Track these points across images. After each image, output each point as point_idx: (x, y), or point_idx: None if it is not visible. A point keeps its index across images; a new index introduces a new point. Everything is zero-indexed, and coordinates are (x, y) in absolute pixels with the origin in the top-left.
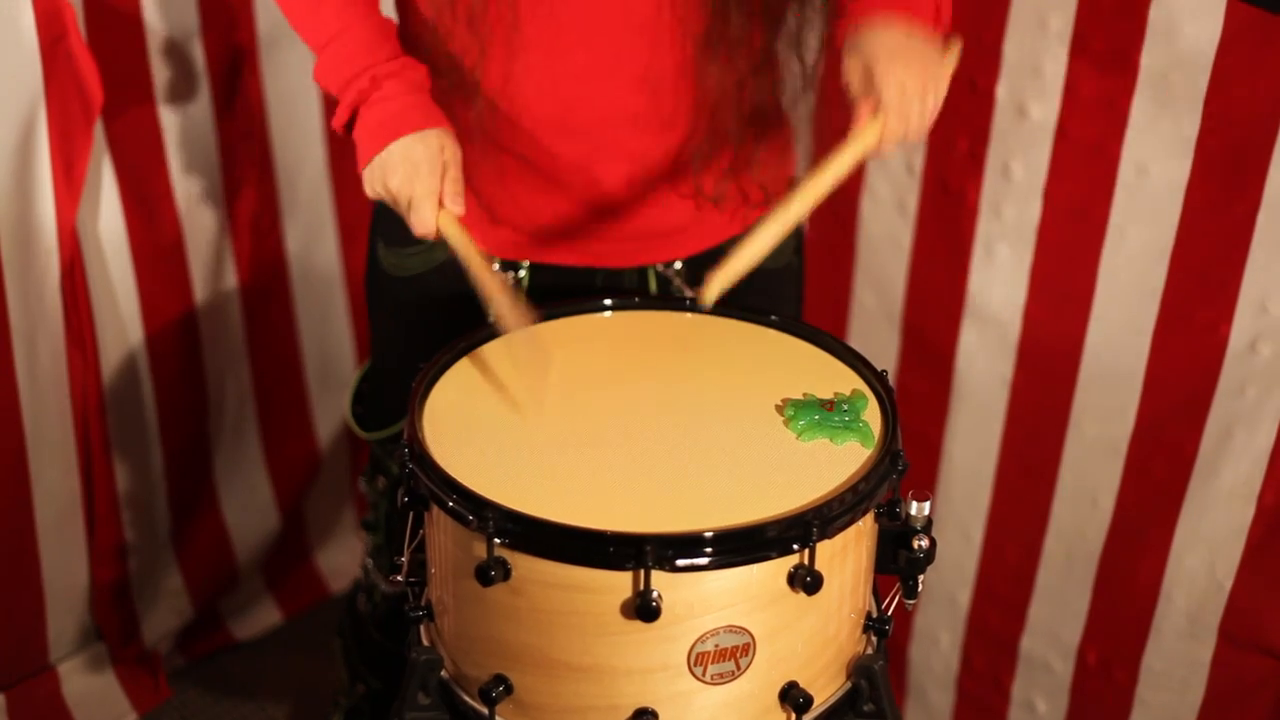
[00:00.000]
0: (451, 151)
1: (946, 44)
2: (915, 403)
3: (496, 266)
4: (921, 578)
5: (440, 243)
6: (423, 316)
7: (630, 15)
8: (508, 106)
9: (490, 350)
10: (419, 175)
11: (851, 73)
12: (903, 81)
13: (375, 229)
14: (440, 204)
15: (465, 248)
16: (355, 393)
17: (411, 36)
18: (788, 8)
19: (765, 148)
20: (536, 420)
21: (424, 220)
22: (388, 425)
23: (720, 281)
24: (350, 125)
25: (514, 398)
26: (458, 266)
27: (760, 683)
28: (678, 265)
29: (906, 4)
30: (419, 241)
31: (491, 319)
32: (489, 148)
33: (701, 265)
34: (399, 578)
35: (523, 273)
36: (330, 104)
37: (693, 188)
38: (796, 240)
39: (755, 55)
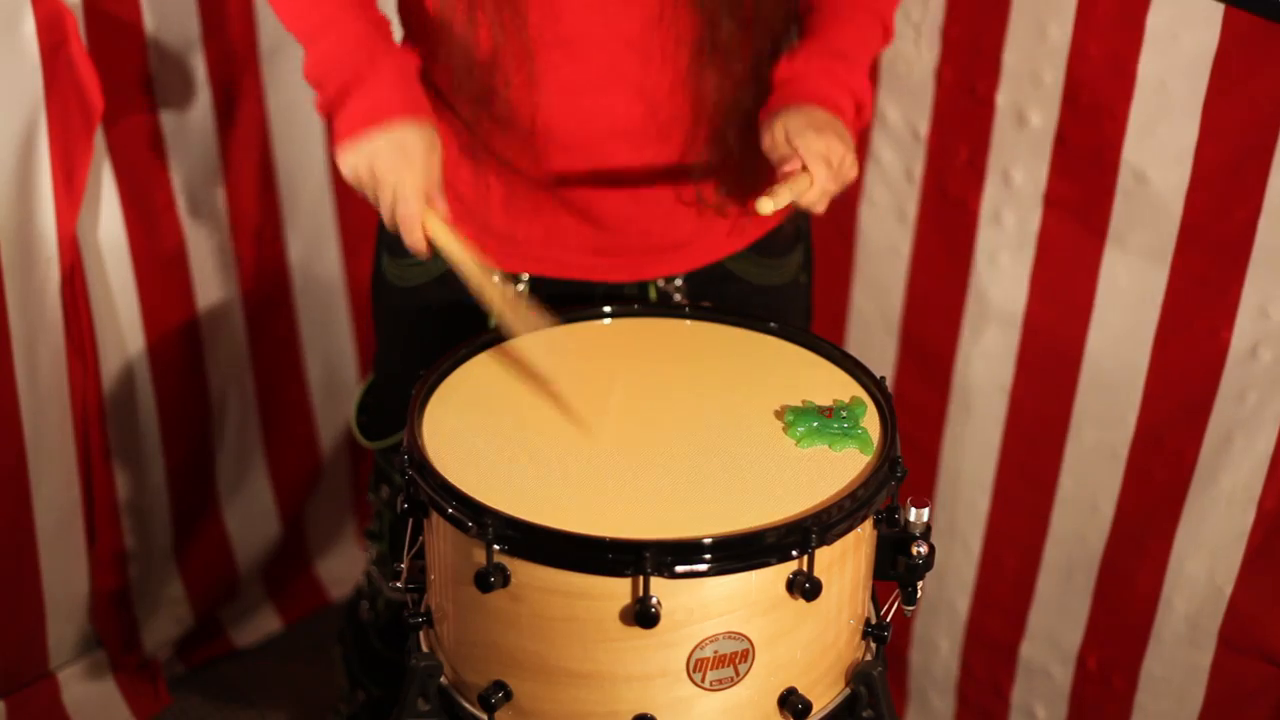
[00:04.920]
0: (439, 153)
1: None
2: (914, 410)
3: (498, 278)
4: (920, 584)
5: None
6: (424, 326)
7: (622, 30)
8: (507, 120)
9: (492, 357)
10: (410, 166)
11: (774, 141)
12: (827, 144)
13: (381, 239)
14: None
15: (456, 250)
16: (360, 403)
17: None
18: (779, 15)
19: (762, 154)
20: (536, 427)
21: (411, 214)
22: (391, 434)
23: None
24: (334, 108)
25: (515, 405)
26: (458, 277)
27: (759, 689)
28: (678, 280)
29: (826, 99)
30: None
31: (491, 323)
32: (489, 162)
33: (702, 280)
34: (398, 584)
35: (522, 286)
36: None
37: (694, 195)
38: (804, 257)
39: (749, 62)
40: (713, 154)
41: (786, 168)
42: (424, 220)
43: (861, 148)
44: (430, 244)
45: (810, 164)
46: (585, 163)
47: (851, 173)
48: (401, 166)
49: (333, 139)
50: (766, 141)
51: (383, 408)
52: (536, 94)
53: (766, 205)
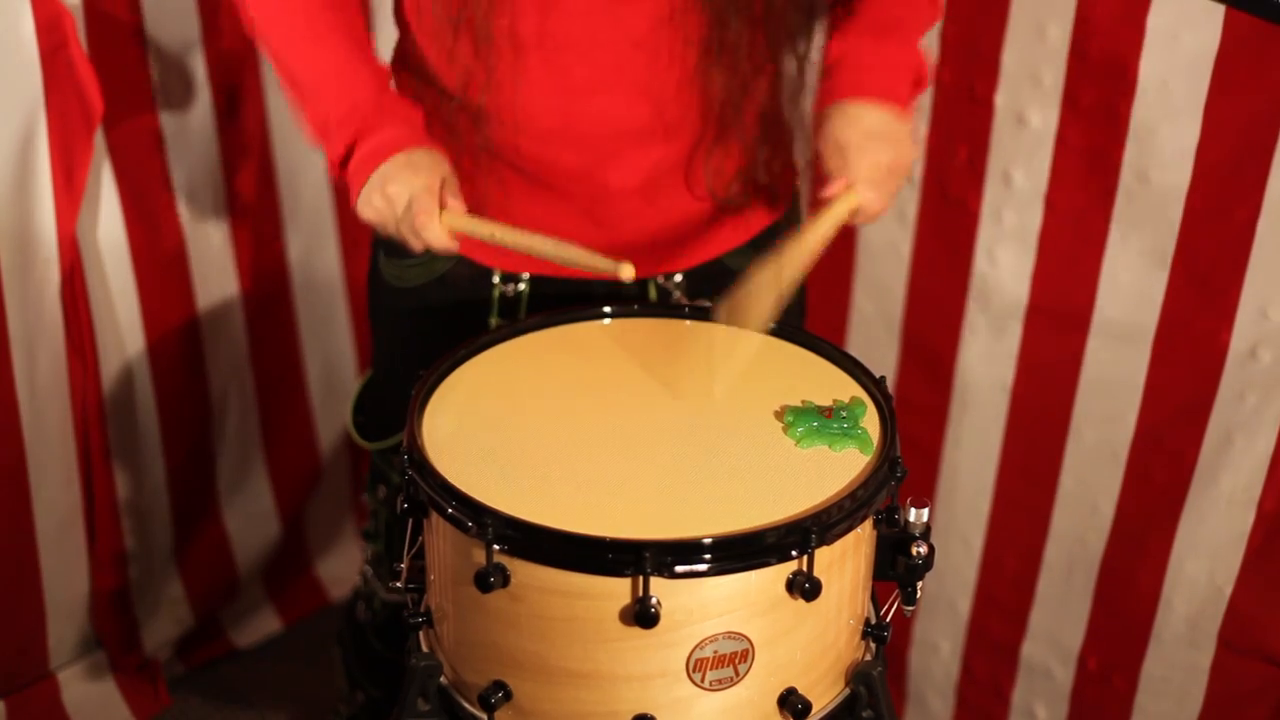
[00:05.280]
0: (449, 169)
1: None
2: (915, 410)
3: (497, 278)
4: (920, 584)
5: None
6: (423, 327)
7: (630, 29)
8: (511, 122)
9: (491, 357)
10: (418, 175)
11: (827, 152)
12: (875, 167)
13: (378, 240)
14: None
15: (481, 226)
16: (357, 402)
17: (412, 57)
18: (786, 12)
19: (769, 150)
20: (536, 427)
21: (426, 212)
22: (389, 434)
23: (728, 377)
24: (345, 163)
25: (515, 405)
26: (458, 277)
27: (759, 689)
28: (678, 277)
29: (880, 88)
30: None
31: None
32: (493, 162)
33: (702, 277)
34: (398, 584)
35: (523, 284)
36: None
37: (706, 191)
38: None
39: (756, 59)
40: (719, 152)
41: (831, 190)
42: (443, 217)
43: None
44: (457, 238)
45: (858, 184)
46: (589, 162)
47: (907, 163)
48: (411, 177)
49: (349, 197)
50: (818, 149)
51: (380, 408)
52: (541, 93)
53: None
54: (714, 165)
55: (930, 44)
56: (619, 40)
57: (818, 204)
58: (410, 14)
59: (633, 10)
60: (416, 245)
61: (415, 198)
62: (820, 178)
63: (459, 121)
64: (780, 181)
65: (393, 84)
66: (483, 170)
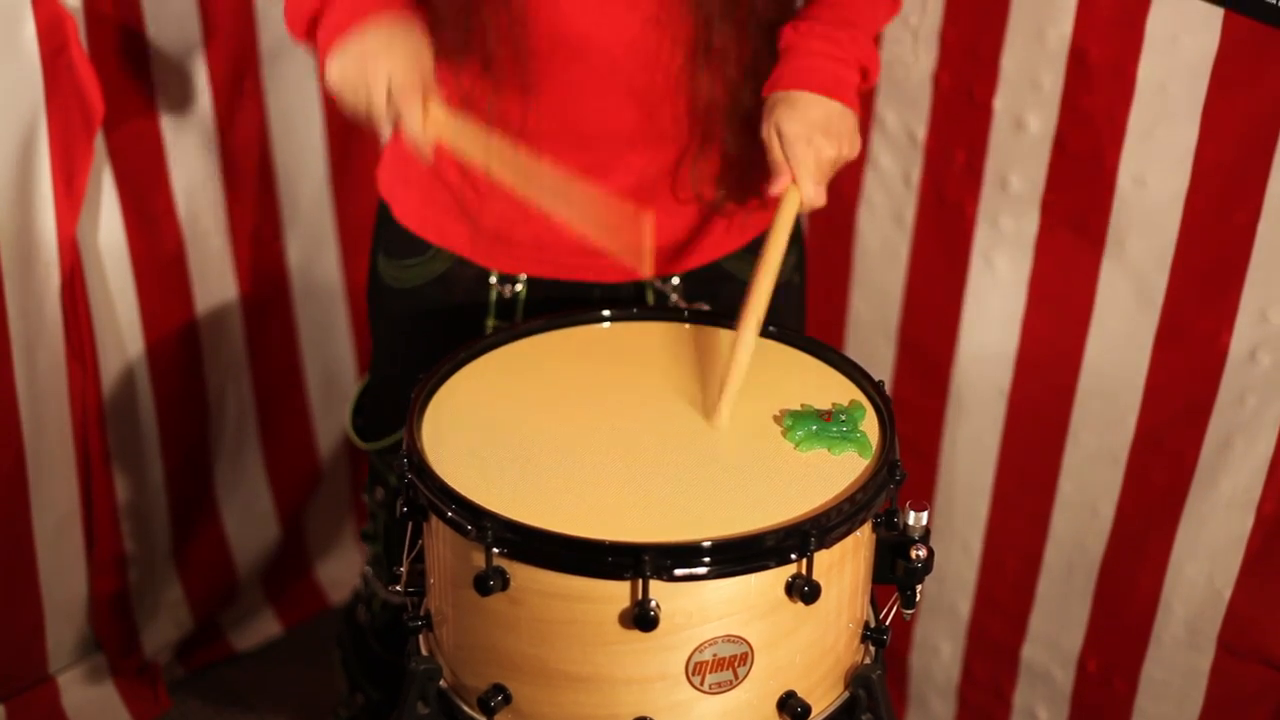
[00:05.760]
0: (428, 57)
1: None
2: (913, 413)
3: (494, 280)
4: (920, 587)
5: (438, 254)
6: (421, 328)
7: (620, 32)
8: (505, 122)
9: (491, 360)
10: (398, 55)
11: (770, 141)
12: (819, 156)
13: (377, 241)
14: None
15: (457, 125)
16: (356, 404)
17: None
18: (775, 15)
19: (759, 153)
20: (535, 430)
21: (407, 97)
22: (387, 435)
23: (727, 402)
24: (312, 32)
25: (515, 408)
26: (455, 278)
27: (758, 692)
28: (675, 280)
29: (826, 79)
30: (419, 253)
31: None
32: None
33: (700, 281)
34: (398, 588)
35: (520, 286)
36: (332, 109)
37: (691, 195)
38: (797, 257)
39: (745, 61)
40: (709, 154)
41: (775, 189)
42: (428, 110)
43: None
44: (432, 136)
45: (800, 179)
46: (585, 164)
47: (849, 156)
48: (390, 55)
49: (319, 61)
50: (763, 134)
51: (379, 409)
52: (532, 97)
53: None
54: (700, 168)
55: (930, 46)
56: (611, 43)
57: (766, 201)
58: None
59: (624, 13)
60: (386, 130)
61: (398, 84)
62: (764, 168)
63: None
64: (767, 183)
65: None
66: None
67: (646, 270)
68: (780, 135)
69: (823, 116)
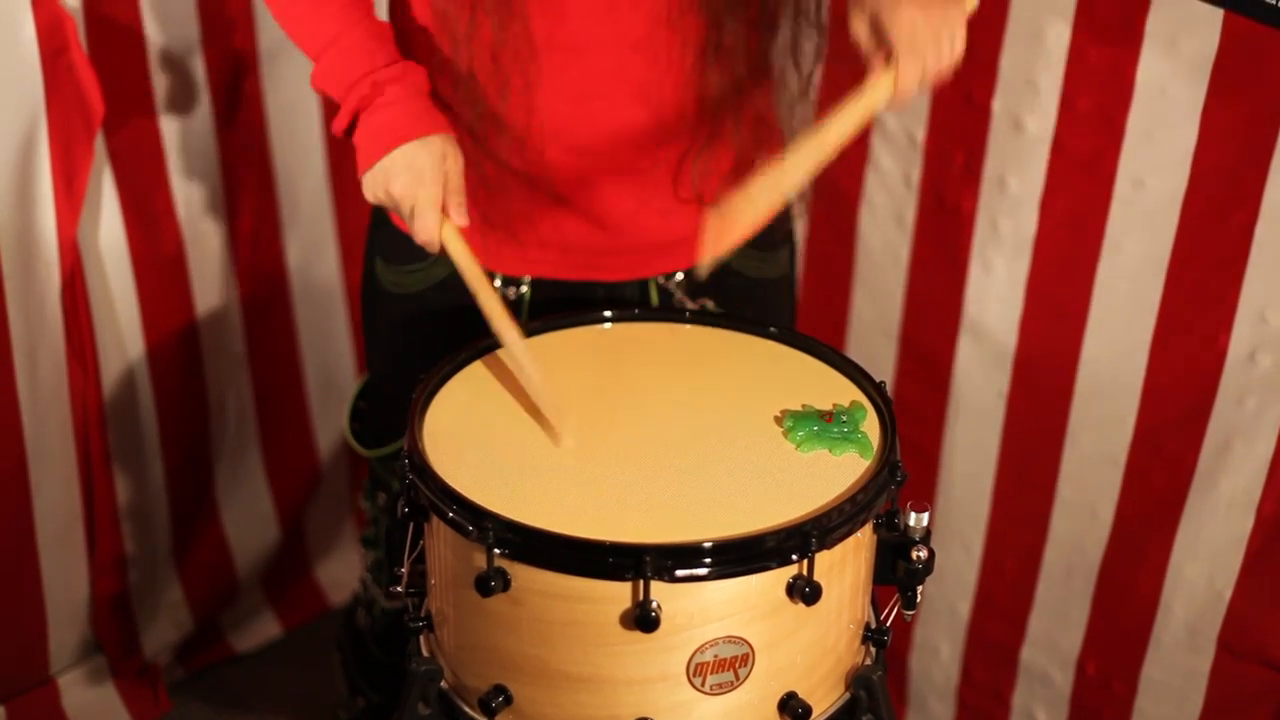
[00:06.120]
0: (454, 159)
1: None
2: (913, 414)
3: (498, 282)
4: (920, 588)
5: (439, 260)
6: (423, 333)
7: (627, 32)
8: (509, 123)
9: (491, 362)
10: (422, 182)
11: (858, 27)
12: (913, 21)
13: (372, 246)
14: (444, 213)
15: (466, 261)
16: (353, 409)
17: (411, 53)
18: (782, 16)
19: (764, 154)
20: (536, 431)
21: (427, 229)
22: (387, 441)
23: (720, 243)
24: (350, 130)
25: (515, 409)
26: (458, 283)
27: (759, 693)
28: (679, 277)
29: None
30: (420, 259)
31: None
32: (490, 164)
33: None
34: (399, 588)
35: (525, 288)
36: (330, 112)
37: (693, 193)
38: (790, 252)
39: (753, 62)
40: (715, 152)
41: (873, 65)
42: (441, 234)
43: (860, 152)
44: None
45: (902, 57)
46: (587, 165)
47: (950, 51)
48: (414, 184)
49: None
50: (852, 31)
51: (378, 414)
52: (538, 97)
53: (708, 259)
54: (703, 167)
55: None
56: (618, 44)
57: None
58: (423, 19)
59: (632, 13)
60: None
61: (419, 213)
62: (860, 60)
63: (459, 125)
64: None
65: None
66: (483, 171)
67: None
68: (872, 13)
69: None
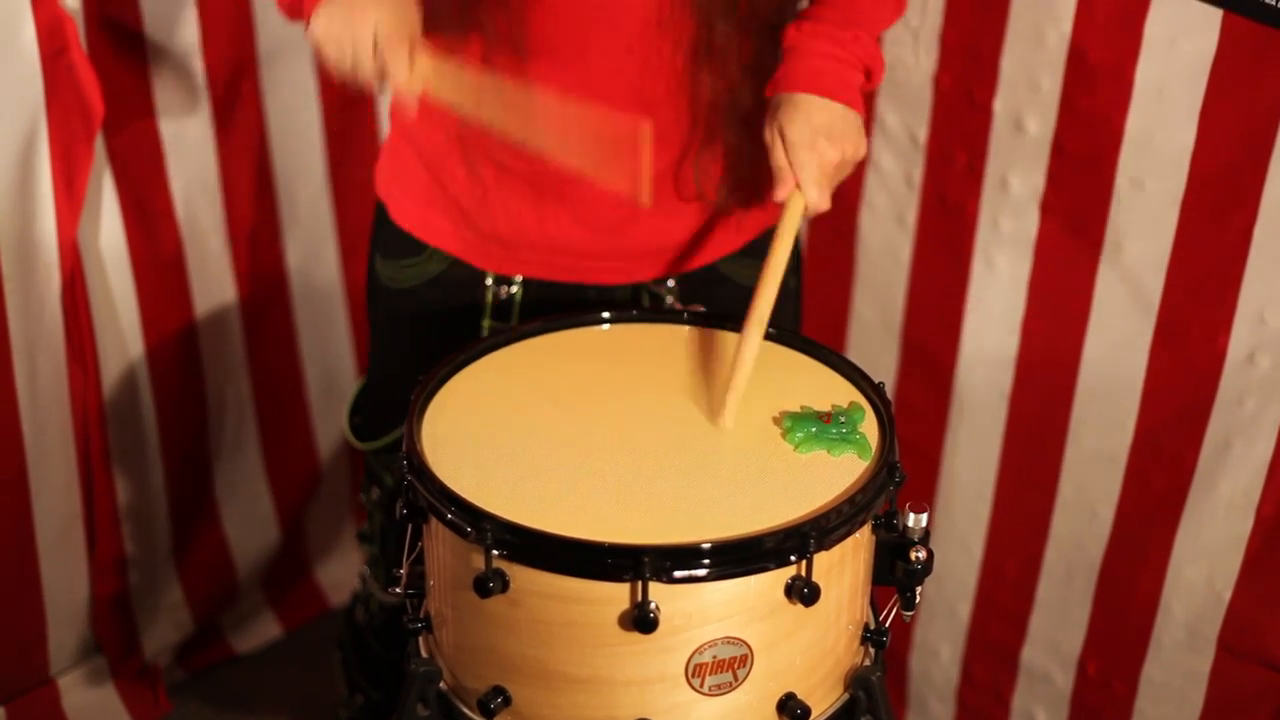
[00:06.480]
0: (415, 9)
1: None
2: (915, 415)
3: (490, 281)
4: (919, 589)
5: (434, 255)
6: (418, 329)
7: (619, 35)
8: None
9: (491, 362)
10: (383, 4)
11: (773, 145)
12: (822, 160)
13: (375, 242)
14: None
15: (446, 73)
16: (353, 405)
17: None
18: (773, 14)
19: (760, 151)
20: (535, 432)
21: (393, 49)
22: (384, 435)
23: (731, 407)
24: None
25: (514, 410)
26: (452, 278)
27: (758, 694)
28: (670, 282)
29: (834, 82)
30: (414, 253)
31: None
32: (483, 164)
33: (695, 283)
34: (398, 590)
35: (515, 288)
36: (331, 113)
37: (695, 193)
38: (794, 261)
39: (746, 60)
40: (711, 153)
41: (779, 195)
42: (415, 60)
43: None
44: (421, 87)
45: (804, 184)
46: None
47: (854, 159)
48: (376, 6)
49: (305, 23)
50: (766, 137)
51: (376, 409)
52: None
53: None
54: (702, 167)
55: (930, 48)
56: (611, 46)
57: (770, 206)
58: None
59: (624, 15)
60: (374, 84)
61: (383, 34)
62: (767, 167)
63: (450, 124)
64: (769, 185)
65: None
66: (477, 172)
67: (645, 200)
68: (784, 139)
69: (826, 120)
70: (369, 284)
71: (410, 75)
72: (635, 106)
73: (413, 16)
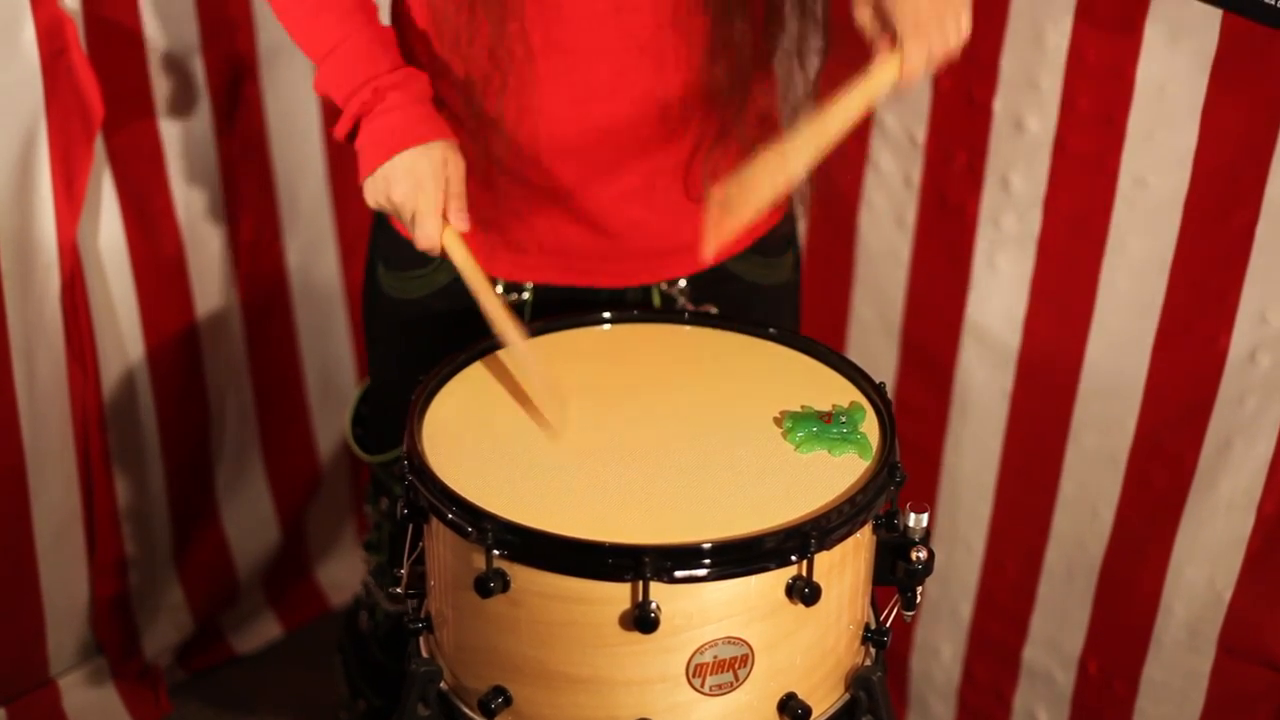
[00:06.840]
0: (455, 165)
1: None
2: (915, 415)
3: (500, 289)
4: (920, 589)
5: (442, 265)
6: (425, 339)
7: (633, 36)
8: (513, 130)
9: (491, 363)
10: (423, 189)
11: (862, 12)
12: (916, 5)
13: (375, 251)
14: (445, 220)
15: (468, 266)
16: (355, 414)
17: (412, 59)
18: (787, 14)
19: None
20: (535, 432)
21: (428, 235)
22: (390, 447)
23: (723, 229)
24: (353, 135)
25: (514, 411)
26: (460, 289)
27: (759, 694)
28: (682, 283)
29: None
30: (422, 264)
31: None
32: (493, 170)
33: (704, 282)
34: (398, 590)
35: (526, 294)
36: (331, 114)
37: (704, 192)
38: (794, 258)
39: (759, 61)
40: (720, 152)
41: (878, 49)
42: (442, 239)
43: (860, 153)
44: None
45: (907, 40)
46: (592, 170)
47: (956, 29)
48: (414, 191)
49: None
50: (856, 17)
51: (380, 419)
52: (540, 102)
53: (711, 247)
54: (712, 166)
55: None
56: (624, 47)
57: (777, 204)
58: (422, 22)
59: (637, 15)
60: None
61: (420, 221)
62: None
63: (460, 129)
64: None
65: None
66: (485, 177)
67: (708, 255)
68: (885, 1)
69: None
70: (367, 294)
71: (436, 244)
72: (647, 107)
73: (447, 176)
